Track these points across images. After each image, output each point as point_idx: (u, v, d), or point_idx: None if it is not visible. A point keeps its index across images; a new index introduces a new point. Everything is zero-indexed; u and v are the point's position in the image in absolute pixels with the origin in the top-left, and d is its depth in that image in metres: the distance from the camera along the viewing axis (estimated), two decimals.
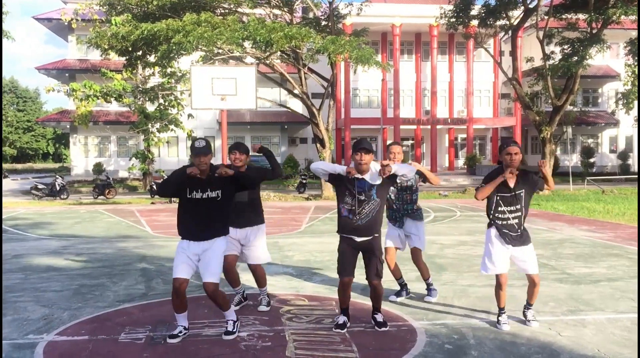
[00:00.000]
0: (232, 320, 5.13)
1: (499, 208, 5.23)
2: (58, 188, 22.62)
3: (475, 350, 4.68)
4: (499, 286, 5.33)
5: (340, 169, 5.22)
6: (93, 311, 5.90)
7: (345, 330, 5.19)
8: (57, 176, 23.65)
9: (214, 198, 4.94)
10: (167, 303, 6.19)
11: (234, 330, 5.08)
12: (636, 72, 29.03)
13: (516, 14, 25.92)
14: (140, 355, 4.60)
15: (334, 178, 5.23)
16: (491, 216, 5.32)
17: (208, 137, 38.82)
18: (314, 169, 5.39)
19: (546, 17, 24.44)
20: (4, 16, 30.54)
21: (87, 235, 11.93)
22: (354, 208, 5.12)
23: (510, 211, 5.21)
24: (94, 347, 4.82)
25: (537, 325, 5.29)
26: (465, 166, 38.39)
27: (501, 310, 5.38)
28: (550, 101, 25.32)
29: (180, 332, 5.04)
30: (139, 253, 9.53)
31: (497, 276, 5.32)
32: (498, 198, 5.22)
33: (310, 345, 4.82)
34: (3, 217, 15.31)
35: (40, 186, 22.87)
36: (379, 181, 5.13)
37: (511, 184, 5.16)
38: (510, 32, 26.23)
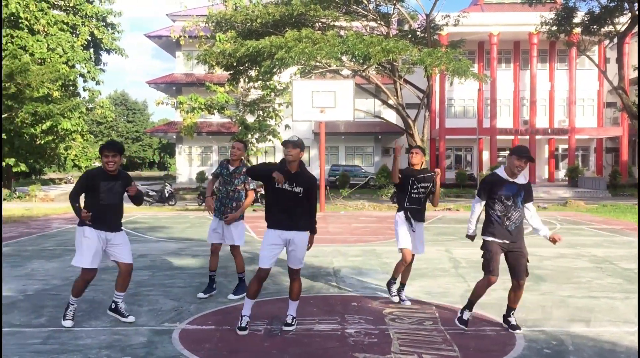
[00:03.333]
0: (291, 315, 5.64)
1: (414, 186, 6.40)
2: (167, 195, 24.27)
3: (573, 356, 4.87)
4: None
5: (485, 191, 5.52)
6: (215, 306, 6.60)
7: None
8: (165, 184, 25.37)
9: (297, 193, 5.48)
10: (278, 301, 6.81)
11: (293, 323, 5.61)
12: None
13: (622, 20, 24.92)
14: (262, 344, 5.19)
15: (486, 195, 5.49)
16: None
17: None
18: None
19: None
20: (119, 34, 33.31)
21: (199, 238, 12.89)
22: (504, 213, 5.37)
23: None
24: (221, 335, 5.47)
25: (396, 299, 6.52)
26: (567, 178, 36.96)
27: (393, 279, 6.61)
28: None
29: (247, 322, 5.52)
30: (248, 257, 10.23)
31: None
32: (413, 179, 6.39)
33: (414, 343, 5.21)
34: (124, 221, 16.77)
35: (151, 193, 24.62)
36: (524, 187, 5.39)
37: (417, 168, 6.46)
38: (616, 39, 25.26)
